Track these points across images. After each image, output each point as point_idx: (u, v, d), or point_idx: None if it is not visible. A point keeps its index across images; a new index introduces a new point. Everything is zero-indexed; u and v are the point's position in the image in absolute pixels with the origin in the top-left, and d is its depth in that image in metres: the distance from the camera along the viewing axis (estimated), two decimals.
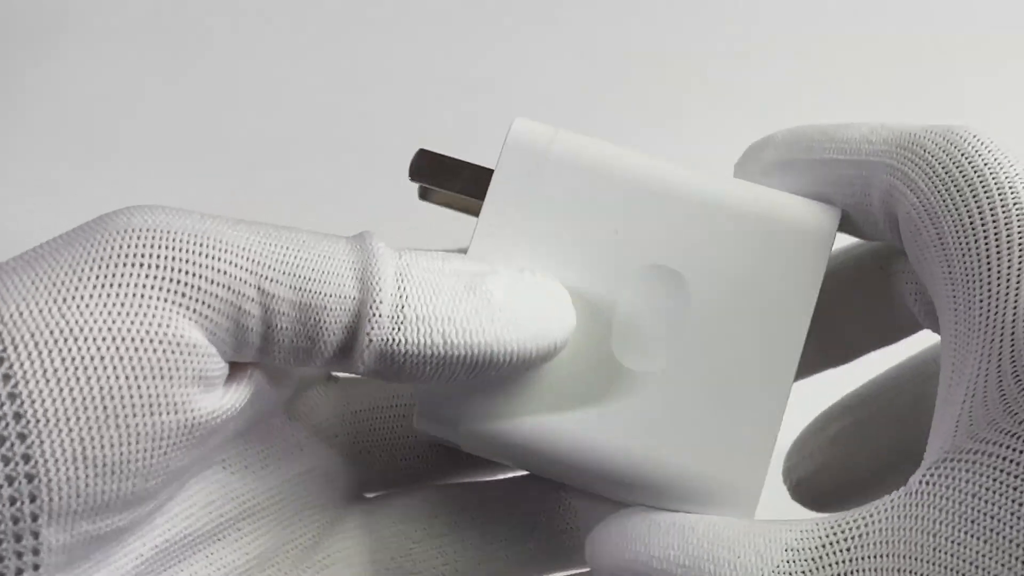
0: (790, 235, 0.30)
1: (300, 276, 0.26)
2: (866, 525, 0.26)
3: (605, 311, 0.30)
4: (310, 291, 0.26)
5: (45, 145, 0.54)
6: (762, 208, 0.30)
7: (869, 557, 0.25)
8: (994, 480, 0.24)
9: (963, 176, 0.27)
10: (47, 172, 0.53)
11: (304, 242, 0.27)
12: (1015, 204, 0.26)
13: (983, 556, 0.23)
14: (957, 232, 0.26)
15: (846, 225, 0.30)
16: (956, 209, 0.27)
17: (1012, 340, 0.25)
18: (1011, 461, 0.24)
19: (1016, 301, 0.25)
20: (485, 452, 0.30)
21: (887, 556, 0.25)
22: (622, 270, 0.30)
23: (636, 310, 0.30)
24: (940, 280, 0.27)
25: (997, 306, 0.25)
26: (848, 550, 0.26)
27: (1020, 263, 0.26)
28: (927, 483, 0.25)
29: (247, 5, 0.57)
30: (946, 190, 0.27)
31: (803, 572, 0.26)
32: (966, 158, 0.27)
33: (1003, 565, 0.23)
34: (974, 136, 0.27)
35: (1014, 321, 0.25)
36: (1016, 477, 0.23)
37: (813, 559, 0.26)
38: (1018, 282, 0.25)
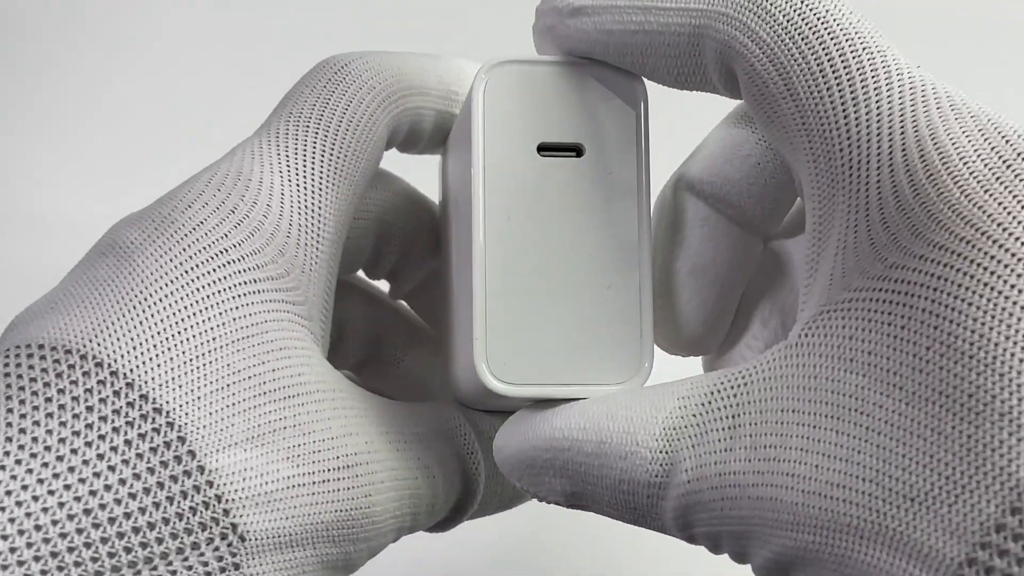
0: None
1: None
2: (750, 375, 0.26)
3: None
4: None
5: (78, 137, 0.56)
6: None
7: (755, 401, 0.26)
8: (869, 321, 0.24)
9: (806, 23, 0.26)
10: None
11: None
12: (864, 49, 0.26)
13: (862, 388, 0.24)
14: (808, 82, 0.26)
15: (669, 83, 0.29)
16: (804, 58, 0.26)
17: (878, 188, 0.25)
18: (883, 302, 0.24)
19: (879, 149, 0.25)
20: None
21: (772, 399, 0.26)
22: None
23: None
24: (795, 135, 0.26)
25: (859, 156, 0.25)
26: (735, 395, 0.26)
27: (878, 109, 0.25)
28: (806, 334, 0.26)
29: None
30: (791, 39, 0.26)
31: (693, 415, 0.27)
32: (807, 4, 0.26)
33: (880, 393, 0.24)
34: None
35: (879, 169, 0.25)
36: (889, 315, 0.24)
37: (703, 404, 0.27)
38: (878, 130, 0.25)
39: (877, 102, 0.25)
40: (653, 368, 0.30)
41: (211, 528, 0.27)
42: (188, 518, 0.27)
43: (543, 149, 0.30)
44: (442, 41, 0.57)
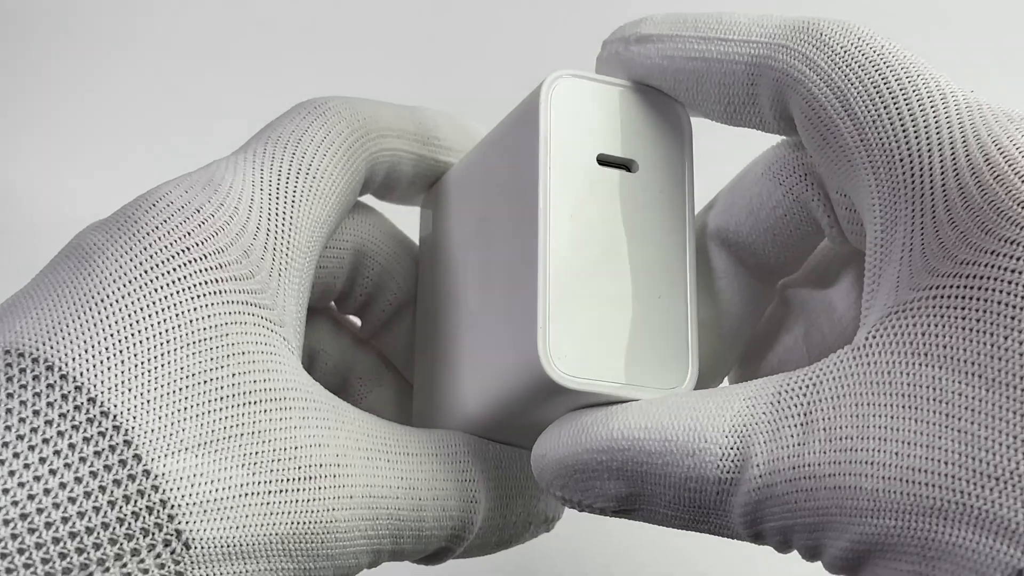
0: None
1: None
2: (819, 375, 0.27)
3: None
4: None
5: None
6: None
7: (827, 398, 0.26)
8: (942, 316, 0.25)
9: (863, 54, 0.28)
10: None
11: None
12: (919, 76, 0.27)
13: (939, 379, 0.25)
14: (867, 102, 0.27)
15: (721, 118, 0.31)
16: (862, 82, 0.27)
17: (944, 191, 0.26)
18: (957, 297, 0.25)
19: (941, 155, 0.26)
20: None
21: (845, 395, 0.26)
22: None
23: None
24: (854, 153, 0.28)
25: (923, 163, 0.27)
26: (805, 394, 0.27)
27: (936, 120, 0.27)
28: (875, 336, 0.26)
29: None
30: (848, 67, 0.28)
31: (764, 413, 0.27)
32: (863, 40, 0.28)
33: (959, 382, 0.25)
34: (865, 24, 0.28)
35: (943, 173, 0.26)
36: (964, 308, 0.25)
37: (772, 402, 0.27)
38: (938, 138, 0.27)
39: (935, 115, 0.27)
40: None
41: (153, 534, 0.26)
42: (130, 523, 0.26)
43: (601, 162, 0.31)
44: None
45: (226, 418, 0.27)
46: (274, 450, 0.28)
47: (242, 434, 0.28)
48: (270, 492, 0.28)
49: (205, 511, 0.27)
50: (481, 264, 0.33)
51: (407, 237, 0.36)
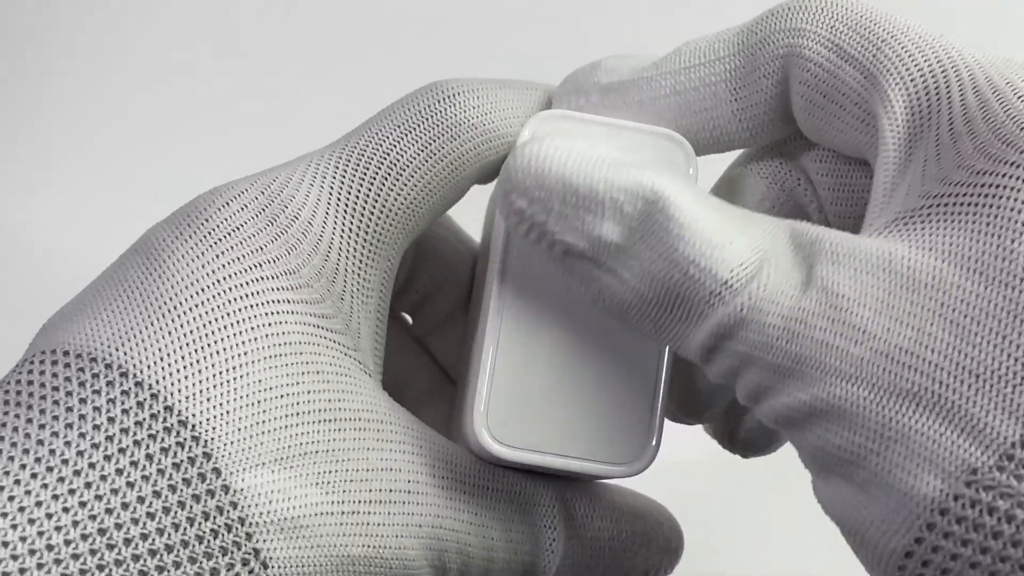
0: None
1: None
2: (826, 235, 0.26)
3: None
4: None
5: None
6: None
7: (832, 255, 0.26)
8: (952, 219, 0.25)
9: (841, 6, 0.28)
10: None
11: None
12: (908, 27, 0.28)
13: (941, 270, 0.25)
14: (870, 47, 0.28)
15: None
16: (853, 29, 0.28)
17: (963, 107, 0.26)
18: (969, 204, 0.25)
19: (959, 79, 0.27)
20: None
21: (849, 258, 0.25)
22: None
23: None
24: (867, 91, 0.28)
25: (946, 83, 0.27)
26: (813, 246, 0.26)
27: (948, 56, 0.27)
28: (883, 233, 0.26)
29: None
30: (842, 24, 0.28)
31: (782, 246, 0.26)
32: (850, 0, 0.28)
33: (960, 276, 0.24)
34: None
35: (962, 93, 0.26)
36: (974, 213, 0.25)
37: (786, 241, 0.26)
38: (954, 67, 0.27)
39: (946, 51, 0.27)
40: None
41: (232, 553, 0.25)
42: (209, 541, 0.25)
43: None
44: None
45: (301, 435, 0.27)
46: (347, 471, 0.27)
47: (316, 452, 0.27)
48: (343, 513, 0.27)
49: (282, 530, 0.26)
50: (479, 297, 0.32)
51: (469, 236, 0.35)
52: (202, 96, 0.56)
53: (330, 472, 0.27)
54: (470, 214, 0.34)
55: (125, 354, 0.26)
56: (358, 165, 0.29)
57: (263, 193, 0.28)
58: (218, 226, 0.28)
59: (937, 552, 0.24)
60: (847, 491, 0.25)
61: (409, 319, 0.36)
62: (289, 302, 0.27)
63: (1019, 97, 0.26)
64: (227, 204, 0.28)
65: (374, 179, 0.29)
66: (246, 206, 0.28)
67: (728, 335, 0.26)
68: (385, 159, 0.29)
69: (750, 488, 0.51)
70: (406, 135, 0.30)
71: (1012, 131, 0.25)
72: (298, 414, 0.27)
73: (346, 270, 0.29)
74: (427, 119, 0.30)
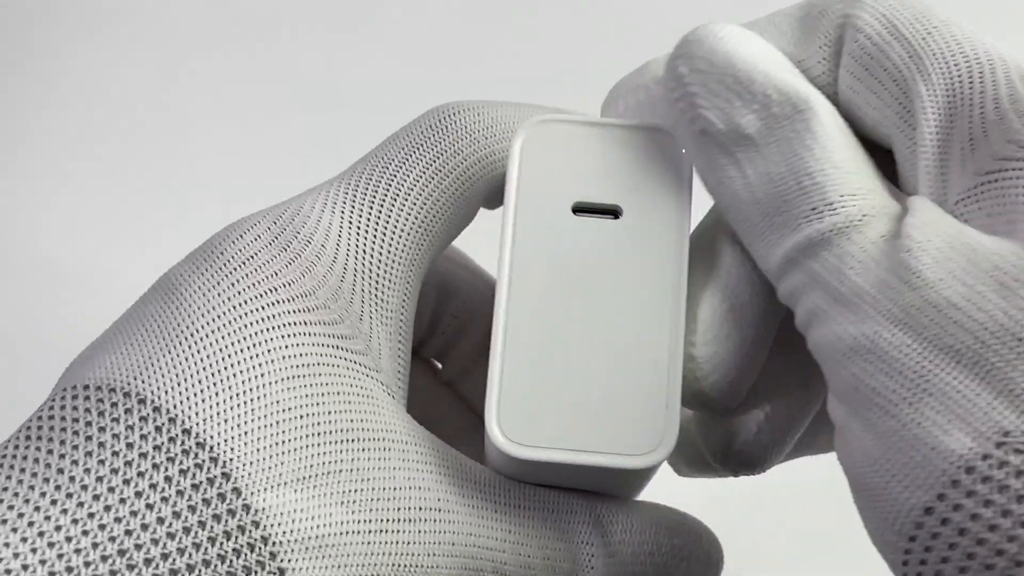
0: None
1: None
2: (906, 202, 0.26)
3: None
4: None
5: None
6: None
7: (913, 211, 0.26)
8: (1007, 195, 0.25)
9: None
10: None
11: None
12: (944, 18, 0.28)
13: (995, 242, 0.25)
14: (918, 27, 0.27)
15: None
16: (912, 14, 0.28)
17: (1007, 82, 0.26)
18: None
19: (1001, 56, 0.26)
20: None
21: (923, 218, 0.26)
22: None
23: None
24: (909, 71, 0.27)
25: (980, 67, 0.26)
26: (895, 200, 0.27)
27: (983, 43, 0.27)
28: (947, 212, 0.26)
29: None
30: (904, 4, 0.28)
31: (883, 193, 0.27)
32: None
33: (1014, 253, 0.24)
34: None
35: (1006, 69, 0.26)
36: None
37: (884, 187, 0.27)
38: (986, 53, 0.27)
39: (981, 38, 0.27)
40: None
41: (256, 573, 0.25)
42: (232, 561, 0.25)
43: (579, 210, 0.29)
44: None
45: (324, 454, 0.26)
46: (373, 489, 0.27)
47: (340, 471, 0.26)
48: (370, 532, 0.26)
49: (307, 548, 0.25)
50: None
51: (486, 272, 0.35)
52: (209, 104, 0.57)
53: (355, 491, 0.26)
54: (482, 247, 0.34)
55: (143, 382, 0.26)
56: (367, 188, 0.29)
57: (275, 223, 0.29)
58: (233, 257, 0.28)
59: (958, 511, 0.23)
60: (870, 443, 0.25)
61: (439, 365, 0.36)
62: (306, 323, 0.27)
63: None
64: (241, 236, 0.28)
65: (384, 200, 0.29)
66: (259, 236, 0.28)
67: (810, 252, 0.26)
68: (393, 180, 0.29)
69: (786, 500, 0.50)
70: (411, 155, 0.30)
71: None
72: (319, 434, 0.26)
73: (363, 291, 0.29)
74: (430, 138, 0.30)
